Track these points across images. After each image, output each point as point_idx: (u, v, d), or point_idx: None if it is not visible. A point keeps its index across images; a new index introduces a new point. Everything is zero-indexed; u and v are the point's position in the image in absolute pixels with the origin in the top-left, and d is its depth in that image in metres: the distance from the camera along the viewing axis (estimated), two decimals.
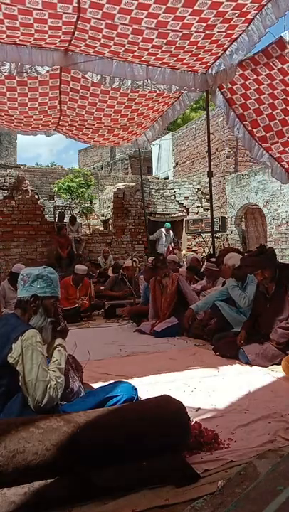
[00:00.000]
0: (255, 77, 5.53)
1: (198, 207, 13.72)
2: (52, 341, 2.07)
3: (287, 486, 1.50)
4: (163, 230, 12.25)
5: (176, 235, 13.17)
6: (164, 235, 12.16)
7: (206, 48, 5.14)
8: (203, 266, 6.93)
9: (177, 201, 13.61)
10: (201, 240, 12.60)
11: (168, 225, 12.41)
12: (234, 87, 5.89)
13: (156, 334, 4.92)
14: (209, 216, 7.90)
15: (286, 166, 6.49)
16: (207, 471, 1.75)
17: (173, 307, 5.11)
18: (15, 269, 6.33)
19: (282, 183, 7.11)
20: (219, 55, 5.37)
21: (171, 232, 12.41)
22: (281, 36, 4.81)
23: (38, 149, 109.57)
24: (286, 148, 6.21)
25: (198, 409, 2.47)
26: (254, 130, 6.23)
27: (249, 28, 4.69)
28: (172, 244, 12.21)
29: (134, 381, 2.64)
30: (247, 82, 5.72)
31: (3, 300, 6.27)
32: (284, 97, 5.61)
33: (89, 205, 13.99)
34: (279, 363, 3.21)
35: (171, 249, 11.68)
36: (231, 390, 2.81)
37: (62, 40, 4.82)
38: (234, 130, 6.43)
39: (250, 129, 6.26)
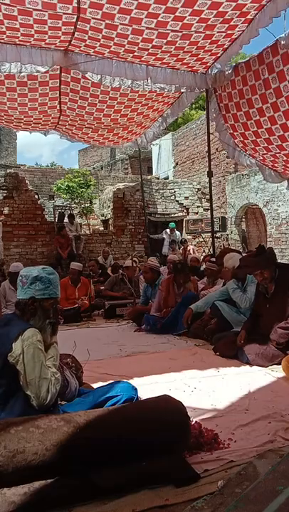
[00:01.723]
0: (241, 87, 5.45)
1: (198, 207, 13.73)
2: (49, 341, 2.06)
3: (287, 486, 1.51)
4: (167, 230, 12.00)
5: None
6: (166, 236, 11.89)
7: (206, 48, 5.14)
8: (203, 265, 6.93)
9: (177, 201, 13.62)
10: (201, 239, 12.61)
11: (172, 225, 12.07)
12: (222, 95, 5.87)
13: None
14: (209, 216, 7.91)
15: (270, 165, 6.48)
16: (207, 471, 1.75)
17: None
18: (12, 268, 6.32)
19: (276, 183, 7.10)
20: (219, 55, 5.37)
21: (177, 232, 12.07)
22: (277, 39, 4.75)
23: (40, 149, 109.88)
24: (265, 156, 6.20)
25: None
26: (234, 133, 6.20)
27: (248, 28, 4.68)
28: (180, 244, 11.88)
29: (134, 381, 2.64)
30: (232, 92, 5.66)
31: (4, 300, 6.27)
32: (257, 118, 5.50)
33: (89, 205, 14.00)
34: (279, 363, 3.21)
35: (187, 250, 11.40)
36: (231, 390, 2.81)
37: (62, 40, 4.82)
38: (220, 134, 6.40)
39: (231, 133, 6.26)
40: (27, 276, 2.03)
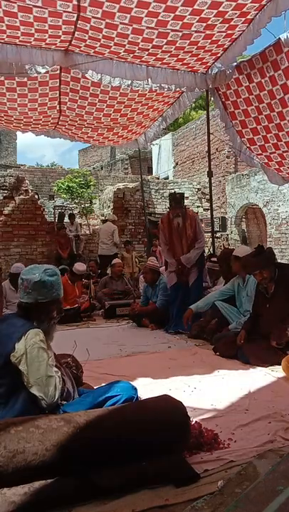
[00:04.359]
0: (247, 83, 5.48)
1: (198, 207, 13.73)
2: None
3: (287, 486, 1.51)
4: None
5: None
6: None
7: (206, 48, 5.13)
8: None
9: None
10: None
11: None
12: (227, 92, 5.88)
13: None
14: (209, 216, 7.90)
15: (275, 168, 6.49)
16: (207, 471, 1.75)
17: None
18: (14, 269, 6.32)
19: (279, 185, 7.12)
20: (219, 55, 5.37)
21: None
22: (279, 38, 4.75)
23: (42, 150, 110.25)
24: (271, 156, 6.20)
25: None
26: (243, 131, 6.21)
27: (248, 28, 4.68)
28: None
29: (134, 381, 2.64)
30: (239, 89, 5.68)
31: (4, 300, 6.26)
32: (268, 112, 5.52)
33: (89, 205, 14.00)
34: (279, 363, 3.21)
35: None
36: (231, 390, 2.81)
37: (62, 40, 4.81)
38: (228, 131, 6.42)
39: (239, 130, 6.25)
40: (28, 281, 1.97)
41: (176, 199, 5.34)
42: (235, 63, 5.46)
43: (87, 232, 12.42)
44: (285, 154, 5.97)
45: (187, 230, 5.20)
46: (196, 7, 4.20)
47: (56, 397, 1.82)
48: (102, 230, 9.99)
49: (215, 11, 4.30)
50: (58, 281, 2.05)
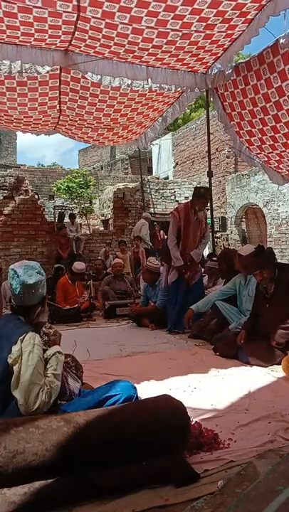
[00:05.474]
0: (243, 86, 5.47)
1: None
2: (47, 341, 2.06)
3: (287, 486, 1.51)
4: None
5: None
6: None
7: (206, 48, 5.13)
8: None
9: (177, 201, 13.60)
10: None
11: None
12: (225, 94, 5.88)
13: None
14: (209, 216, 7.90)
15: (274, 166, 6.49)
16: (207, 471, 1.75)
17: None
18: None
19: (280, 184, 7.12)
20: (219, 55, 5.37)
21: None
22: (277, 39, 4.74)
23: (43, 150, 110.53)
24: (270, 155, 6.21)
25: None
26: (240, 132, 6.22)
27: (248, 28, 4.68)
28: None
29: (134, 381, 2.64)
30: (235, 91, 5.68)
31: (4, 300, 6.25)
32: (262, 116, 5.52)
33: (89, 205, 14.02)
34: (279, 363, 3.21)
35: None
36: (231, 390, 2.81)
37: (62, 40, 4.81)
38: (228, 131, 6.45)
39: (237, 131, 6.27)
40: (38, 283, 2.00)
41: (209, 193, 5.36)
42: (233, 63, 5.45)
43: (87, 232, 12.41)
44: (283, 153, 5.97)
45: (202, 224, 5.24)
46: (195, 6, 4.19)
47: (36, 407, 1.76)
48: (135, 227, 10.63)
49: (215, 11, 4.30)
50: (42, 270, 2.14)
